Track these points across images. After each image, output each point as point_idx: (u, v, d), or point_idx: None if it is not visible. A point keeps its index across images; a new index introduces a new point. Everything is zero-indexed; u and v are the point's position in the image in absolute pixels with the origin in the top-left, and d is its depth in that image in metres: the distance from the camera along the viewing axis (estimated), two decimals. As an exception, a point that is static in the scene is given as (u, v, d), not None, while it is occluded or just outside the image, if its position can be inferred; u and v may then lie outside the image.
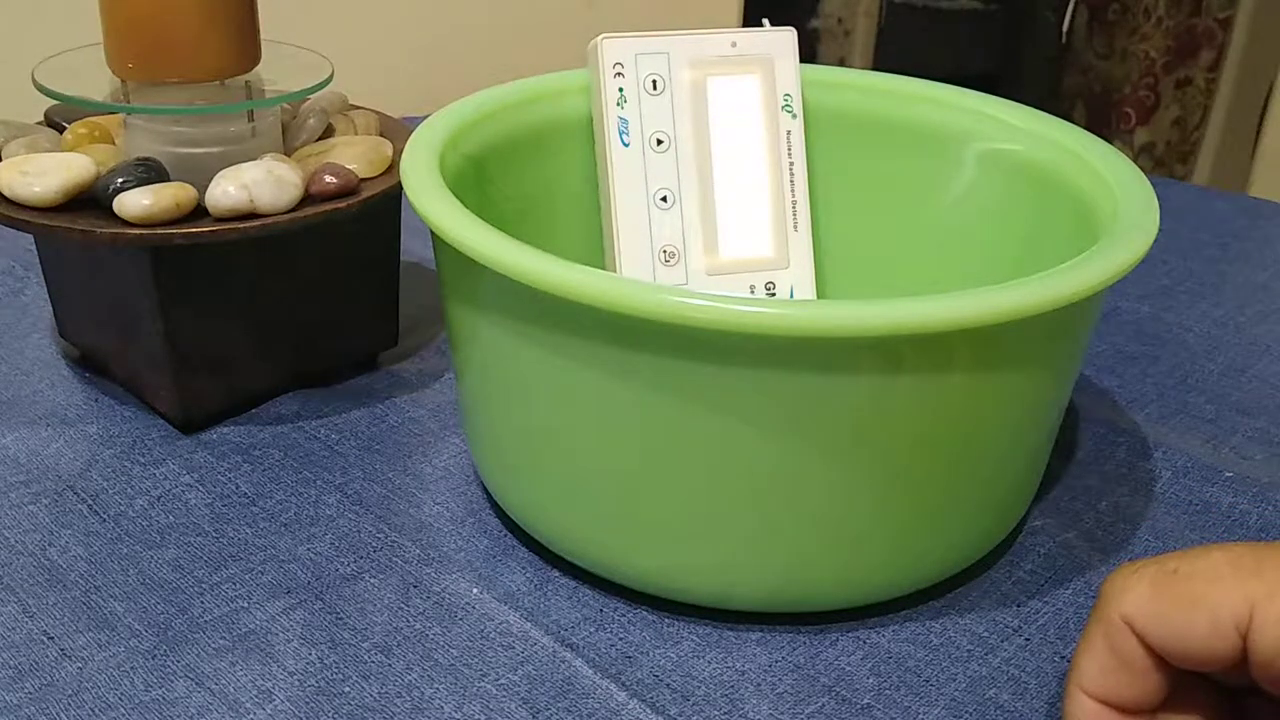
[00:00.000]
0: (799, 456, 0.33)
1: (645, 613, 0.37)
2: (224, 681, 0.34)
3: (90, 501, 0.41)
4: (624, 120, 0.44)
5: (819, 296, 0.47)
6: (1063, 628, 0.37)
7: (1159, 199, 0.37)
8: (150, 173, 0.41)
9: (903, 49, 1.62)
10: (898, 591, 0.37)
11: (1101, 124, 1.54)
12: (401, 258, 0.49)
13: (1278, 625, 0.25)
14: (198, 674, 0.34)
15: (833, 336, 0.30)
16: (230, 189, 0.40)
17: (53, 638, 0.35)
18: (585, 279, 0.30)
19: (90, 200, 0.41)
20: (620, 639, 0.36)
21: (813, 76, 0.47)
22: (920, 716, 0.33)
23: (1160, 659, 0.27)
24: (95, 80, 0.43)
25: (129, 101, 0.43)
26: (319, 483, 0.43)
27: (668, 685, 0.34)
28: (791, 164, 0.46)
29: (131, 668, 0.34)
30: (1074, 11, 1.57)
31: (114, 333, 0.46)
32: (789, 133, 0.46)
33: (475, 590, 0.38)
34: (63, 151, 0.43)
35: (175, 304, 0.42)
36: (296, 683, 0.34)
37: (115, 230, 0.40)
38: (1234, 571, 0.26)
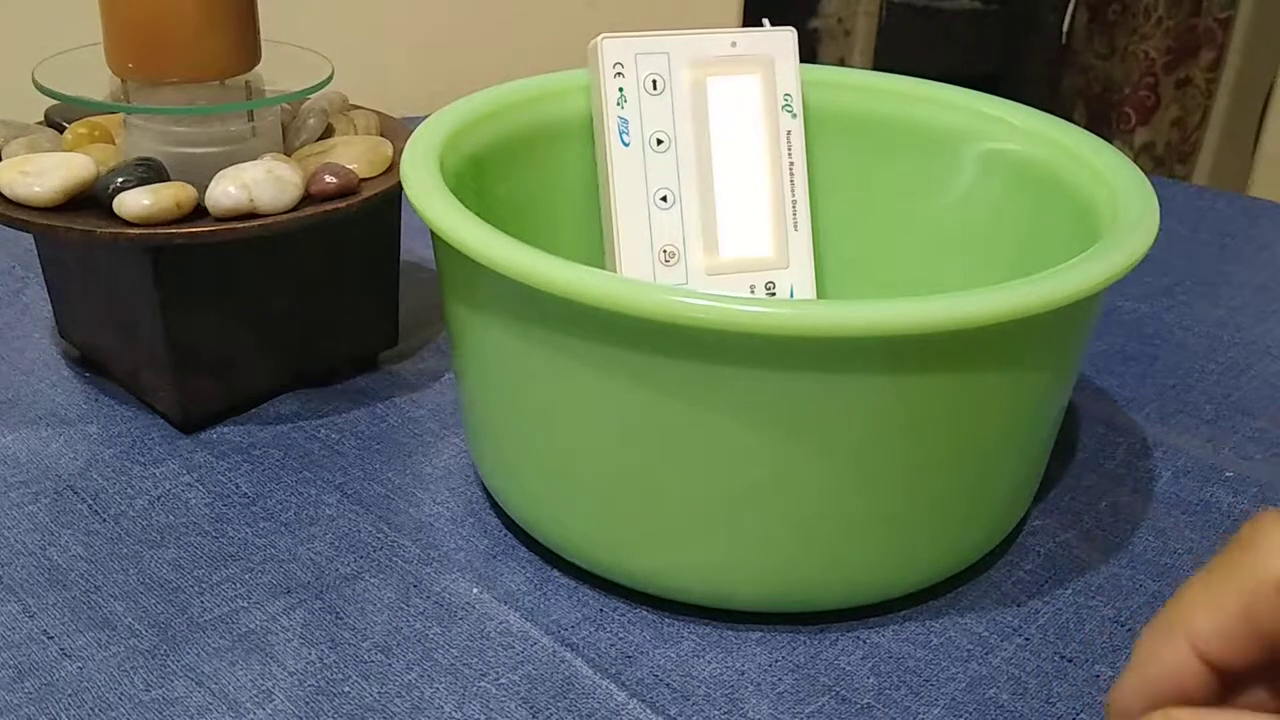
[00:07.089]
0: (799, 456, 0.33)
1: (645, 613, 0.37)
2: (224, 681, 0.34)
3: (90, 501, 0.41)
4: (624, 120, 0.44)
5: (819, 296, 0.47)
6: (1063, 628, 0.37)
7: (1159, 199, 0.37)
8: (150, 173, 0.41)
9: (903, 49, 1.62)
10: (898, 591, 0.37)
11: (1101, 124, 1.54)
12: (401, 258, 0.49)
13: None
14: (198, 674, 0.34)
15: (833, 336, 0.30)
16: (230, 189, 0.40)
17: (53, 637, 0.35)
18: (585, 279, 0.30)
19: (90, 200, 0.41)
20: (620, 639, 0.36)
21: (813, 76, 0.47)
22: (920, 716, 0.33)
23: None
24: (95, 80, 0.43)
25: (129, 101, 0.43)
26: (319, 483, 0.43)
27: (668, 685, 0.34)
28: (791, 164, 0.46)
29: (131, 668, 0.34)
30: (1074, 11, 1.56)
31: (114, 333, 0.46)
32: (789, 133, 0.46)
33: (475, 590, 0.38)
34: (63, 151, 0.43)
35: (175, 304, 0.42)
36: (296, 683, 0.34)
37: (115, 230, 0.40)
38: None
